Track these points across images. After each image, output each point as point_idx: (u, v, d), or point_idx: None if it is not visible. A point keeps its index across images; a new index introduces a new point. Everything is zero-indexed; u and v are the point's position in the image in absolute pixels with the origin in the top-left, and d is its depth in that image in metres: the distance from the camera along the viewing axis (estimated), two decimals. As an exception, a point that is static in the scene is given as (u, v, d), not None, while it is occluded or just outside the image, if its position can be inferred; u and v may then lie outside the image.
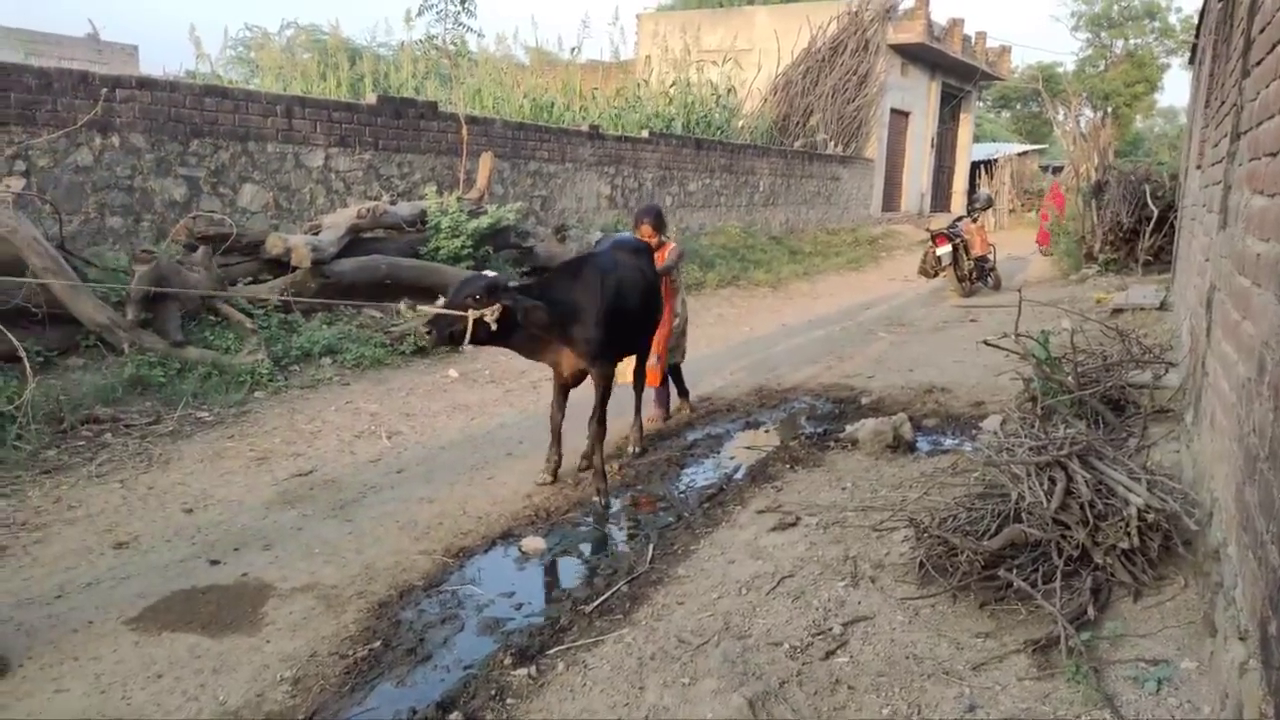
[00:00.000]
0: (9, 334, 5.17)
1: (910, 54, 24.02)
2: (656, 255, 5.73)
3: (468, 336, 4.20)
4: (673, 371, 6.43)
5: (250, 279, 7.77)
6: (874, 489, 4.70)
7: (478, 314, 4.17)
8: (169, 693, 2.97)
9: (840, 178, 21.78)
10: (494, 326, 4.21)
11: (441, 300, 4.40)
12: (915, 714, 2.78)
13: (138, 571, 3.80)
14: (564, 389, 4.97)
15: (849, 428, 5.74)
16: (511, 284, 4.40)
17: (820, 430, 6.00)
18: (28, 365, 5.13)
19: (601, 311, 4.65)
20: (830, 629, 3.31)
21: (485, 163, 10.39)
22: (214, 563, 3.90)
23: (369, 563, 3.99)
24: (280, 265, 7.85)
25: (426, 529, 4.35)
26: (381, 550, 4.11)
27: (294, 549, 4.09)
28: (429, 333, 4.18)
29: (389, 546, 4.15)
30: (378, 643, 3.35)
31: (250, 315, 7.19)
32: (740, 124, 19.21)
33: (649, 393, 6.04)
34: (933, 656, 3.07)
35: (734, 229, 16.20)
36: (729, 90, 18.83)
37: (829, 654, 3.16)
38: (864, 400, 6.82)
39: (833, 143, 21.57)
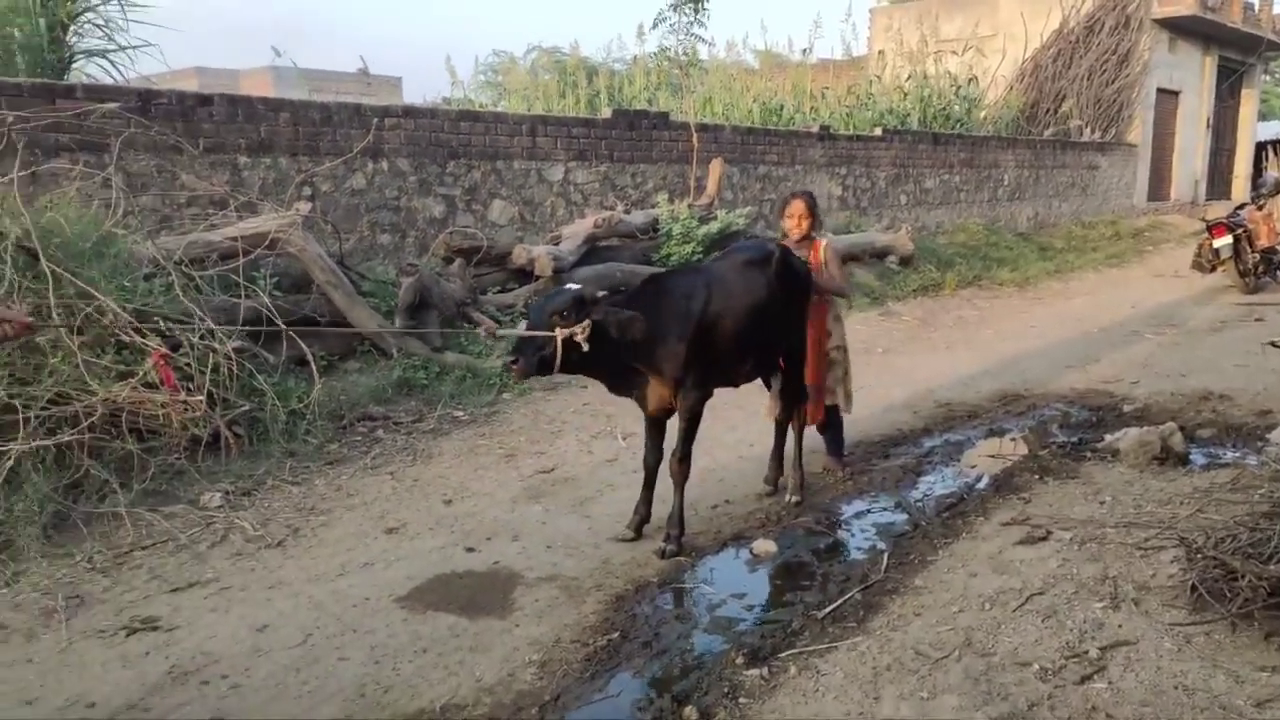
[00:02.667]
0: (299, 340, 5.87)
1: (1179, 27, 21.70)
2: (810, 257, 4.89)
3: (558, 361, 3.67)
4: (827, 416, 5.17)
5: (499, 288, 8.32)
6: (1137, 504, 4.31)
7: (566, 333, 3.63)
8: (433, 667, 3.26)
9: (1098, 166, 20.07)
10: (585, 346, 3.67)
11: (524, 324, 3.83)
12: (1187, 752, 2.54)
13: (405, 555, 4.18)
14: (656, 425, 4.29)
15: (1108, 437, 5.30)
16: (600, 294, 3.93)
17: (1075, 440, 5.57)
18: (315, 368, 5.80)
19: (691, 331, 4.04)
20: (1086, 652, 3.08)
21: (715, 169, 10.53)
22: (470, 550, 4.23)
23: (606, 557, 4.16)
24: (525, 274, 8.36)
25: (659, 527, 4.46)
26: (618, 546, 4.28)
27: (538, 541, 4.34)
28: (514, 362, 3.65)
29: (624, 543, 4.31)
30: (616, 634, 3.49)
31: (499, 322, 7.70)
32: (982, 115, 18.19)
33: (811, 433, 5.10)
34: (1207, 689, 2.78)
35: (975, 226, 15.37)
36: (970, 80, 17.88)
37: (1084, 679, 2.94)
38: (1126, 408, 6.26)
39: (1088, 129, 19.91)
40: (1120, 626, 3.22)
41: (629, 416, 6.35)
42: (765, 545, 4.24)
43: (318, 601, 3.74)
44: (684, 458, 4.24)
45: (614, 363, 3.93)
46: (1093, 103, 20.14)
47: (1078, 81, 19.96)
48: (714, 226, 9.68)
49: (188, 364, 5.15)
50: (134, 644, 3.40)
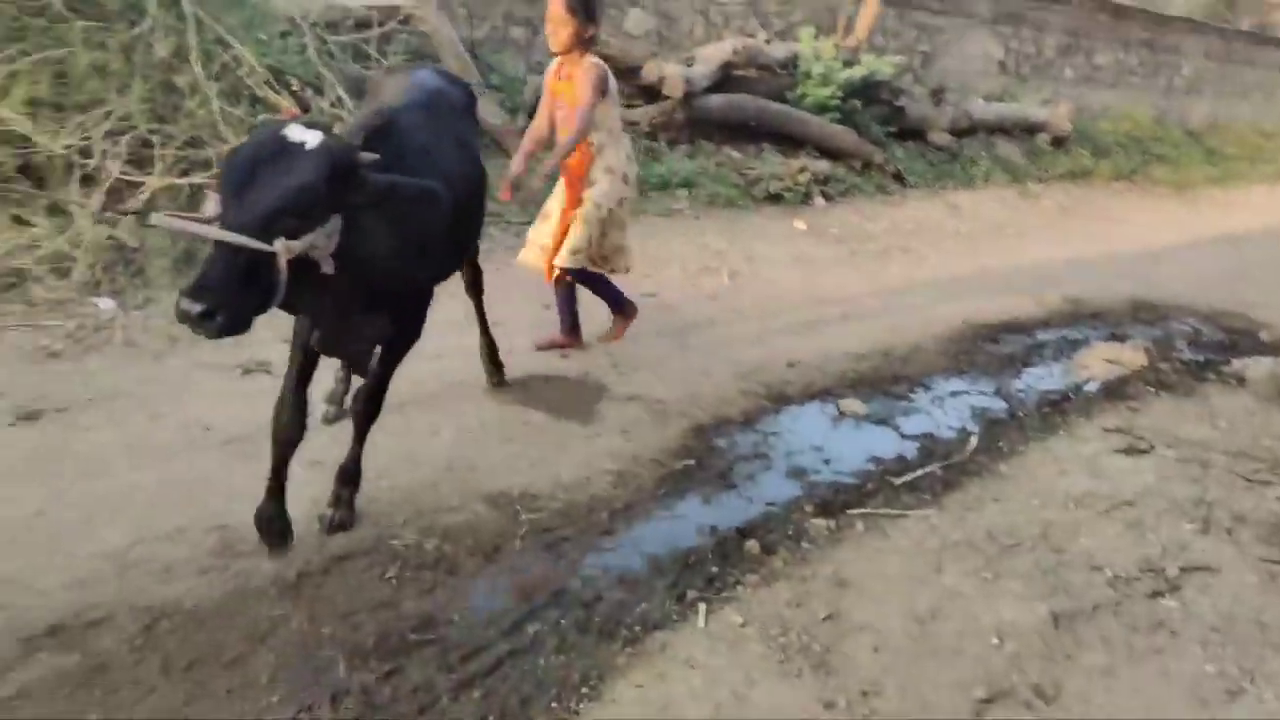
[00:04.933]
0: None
1: None
2: (569, 85, 3.86)
3: (281, 289, 1.99)
4: (588, 279, 4.26)
5: (625, 103, 8.08)
6: (1255, 436, 4.10)
7: (301, 248, 2.00)
8: (517, 457, 3.39)
9: (1293, 71, 18.08)
10: (330, 266, 2.13)
11: (211, 204, 2.07)
12: (1248, 680, 2.50)
13: (502, 350, 4.24)
14: (309, 365, 2.66)
15: (1237, 362, 5.00)
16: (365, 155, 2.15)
17: (1200, 359, 5.27)
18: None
19: (440, 233, 2.60)
20: (1163, 569, 3.02)
21: (869, 8, 9.84)
22: (564, 357, 4.31)
23: (694, 389, 4.18)
24: (652, 93, 8.07)
25: (751, 370, 4.46)
26: (707, 380, 4.29)
27: (630, 361, 4.38)
28: (206, 315, 1.88)
29: (714, 379, 4.32)
30: (691, 461, 3.56)
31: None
32: (1177, -8, 16.41)
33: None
34: (1285, 628, 2.71)
35: (1142, 116, 14.14)
36: (1173, -50, 16.02)
37: (1156, 594, 2.89)
38: (1264, 335, 5.86)
39: (1295, 26, 17.82)
40: (1204, 551, 3.13)
41: (738, 255, 6.27)
42: (853, 404, 4.20)
43: (417, 379, 3.83)
44: (377, 395, 2.84)
45: (360, 277, 2.30)
46: (1310, -4, 17.93)
47: (1298, -31, 17.71)
48: (857, 72, 9.10)
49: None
50: (248, 383, 3.62)
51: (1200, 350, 5.52)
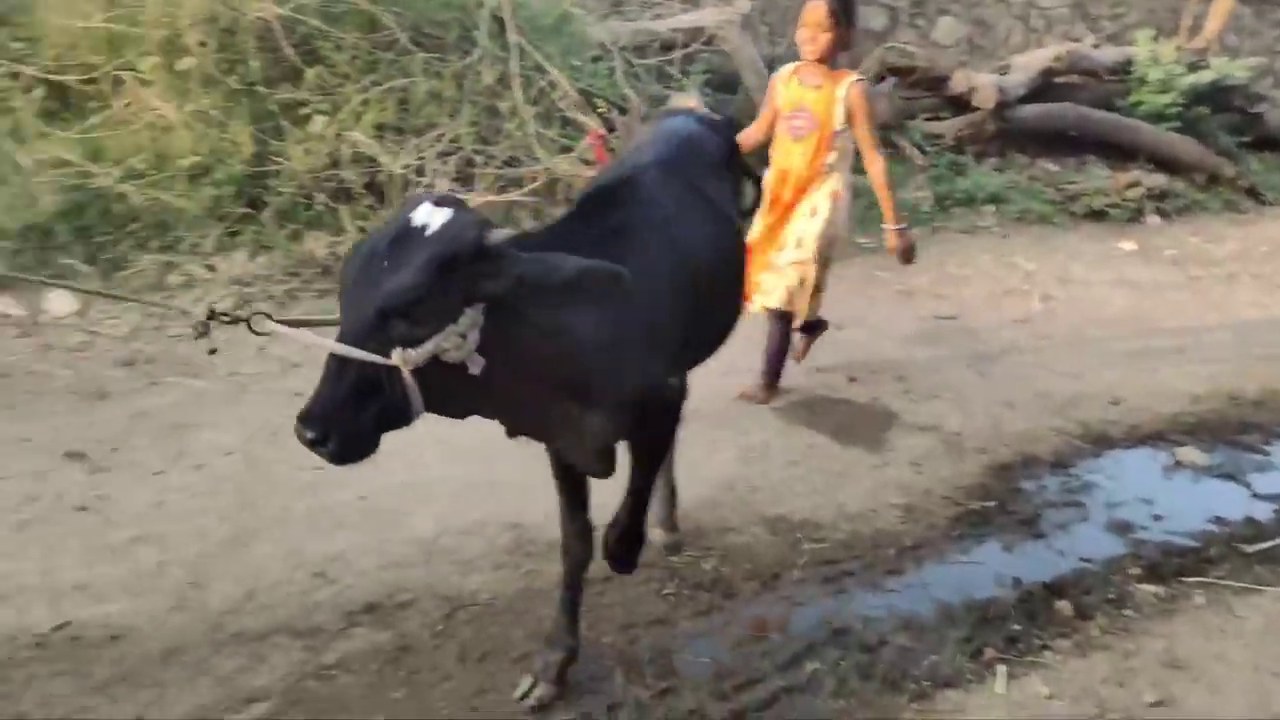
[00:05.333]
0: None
1: None
2: (810, 84, 3.48)
3: (415, 403, 1.62)
4: (786, 323, 3.80)
5: (930, 115, 7.69)
6: None
7: (421, 358, 1.59)
8: (799, 480, 3.29)
9: None
10: (475, 366, 1.66)
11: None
12: None
13: (787, 370, 4.15)
14: (575, 484, 2.30)
15: None
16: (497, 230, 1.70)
17: None
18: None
19: (671, 314, 2.11)
20: None
21: (1220, 6, 8.65)
22: (852, 380, 4.12)
23: (996, 421, 3.84)
24: (960, 104, 7.61)
25: (1063, 405, 4.02)
26: (1011, 413, 3.92)
27: (924, 387, 4.11)
28: (317, 441, 1.58)
29: (1020, 412, 3.94)
30: (991, 502, 3.27)
31: (923, 151, 7.17)
32: None
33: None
34: None
35: None
36: None
37: None
38: None
39: None
40: None
41: (1051, 277, 5.73)
42: (1192, 454, 3.66)
43: (703, 395, 3.84)
44: (644, 500, 2.32)
45: (527, 374, 1.81)
46: None
47: None
48: (1204, 77, 8.01)
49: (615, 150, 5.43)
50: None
51: None
